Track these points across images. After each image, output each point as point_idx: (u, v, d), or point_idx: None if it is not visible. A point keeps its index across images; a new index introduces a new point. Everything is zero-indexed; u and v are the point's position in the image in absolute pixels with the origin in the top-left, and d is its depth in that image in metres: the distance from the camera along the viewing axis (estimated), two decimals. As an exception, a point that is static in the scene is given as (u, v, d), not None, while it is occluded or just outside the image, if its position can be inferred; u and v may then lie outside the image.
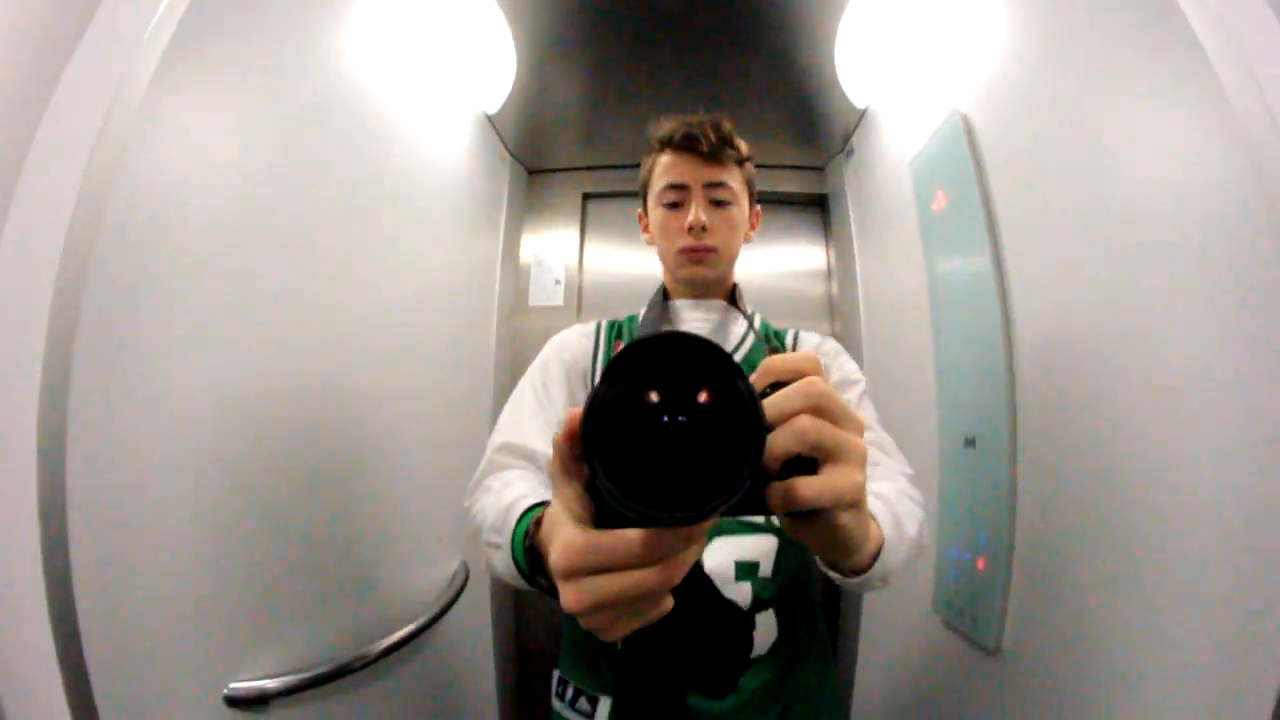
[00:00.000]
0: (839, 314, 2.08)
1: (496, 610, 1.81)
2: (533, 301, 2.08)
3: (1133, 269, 0.80)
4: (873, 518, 0.63)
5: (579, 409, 0.38)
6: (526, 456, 0.88)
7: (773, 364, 0.45)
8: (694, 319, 1.04)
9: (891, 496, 0.78)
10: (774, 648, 0.86)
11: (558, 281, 2.10)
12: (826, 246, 2.18)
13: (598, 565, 0.39)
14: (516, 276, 2.11)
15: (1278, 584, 0.58)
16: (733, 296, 1.07)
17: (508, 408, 0.96)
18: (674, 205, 1.01)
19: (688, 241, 0.98)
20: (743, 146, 1.03)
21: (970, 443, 1.15)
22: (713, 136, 0.98)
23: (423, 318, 1.45)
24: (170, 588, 0.73)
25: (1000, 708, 1.04)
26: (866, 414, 0.97)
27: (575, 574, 0.40)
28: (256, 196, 0.90)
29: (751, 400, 0.37)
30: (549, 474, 0.55)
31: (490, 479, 0.85)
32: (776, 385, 0.44)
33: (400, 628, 1.13)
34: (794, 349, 1.04)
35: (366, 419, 1.19)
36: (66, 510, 0.60)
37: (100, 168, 0.64)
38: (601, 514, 0.41)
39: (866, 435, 0.86)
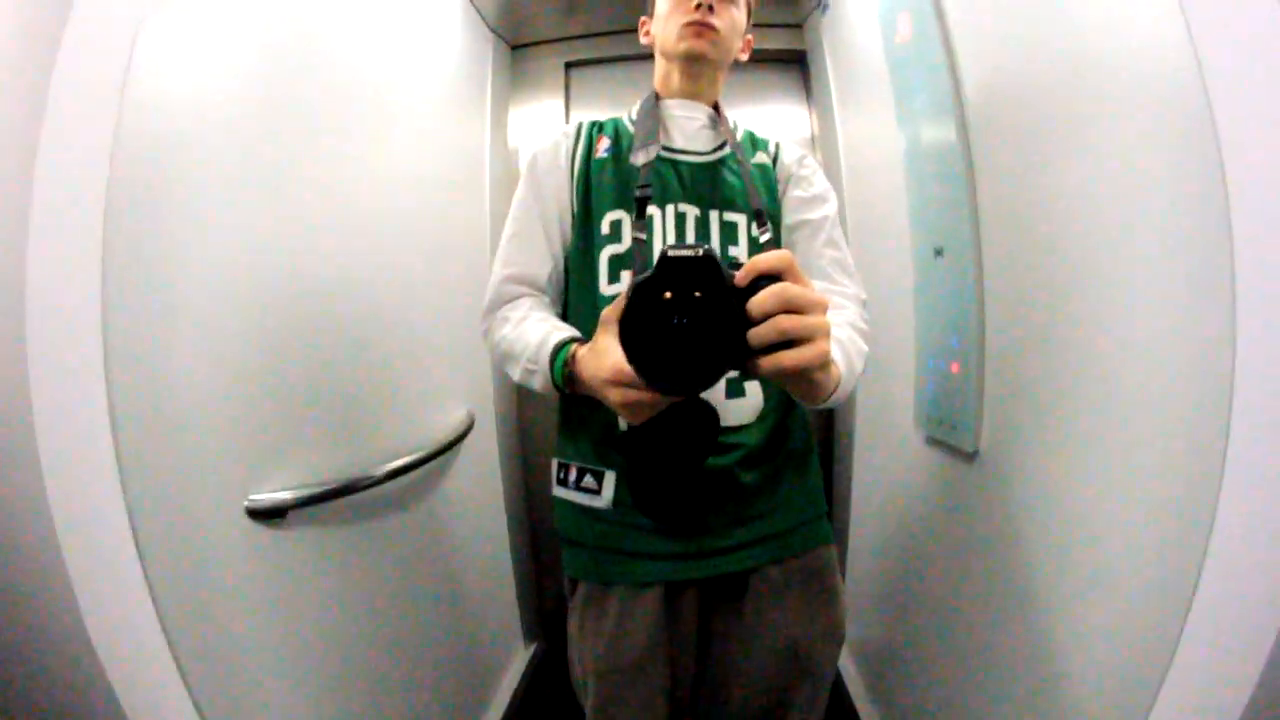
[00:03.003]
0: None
1: (504, 451, 1.98)
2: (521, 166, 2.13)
3: (1079, 97, 0.88)
4: (833, 361, 0.81)
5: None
6: (530, 283, 1.03)
7: (758, 263, 0.64)
8: (683, 116, 1.09)
9: (845, 339, 0.94)
10: (762, 414, 1.01)
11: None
12: (809, 109, 2.22)
13: (630, 382, 0.69)
14: (506, 153, 2.16)
15: (1222, 367, 0.64)
16: (718, 109, 1.12)
17: (505, 237, 1.07)
18: None
19: (694, 16, 1.03)
20: None
21: (939, 252, 1.27)
22: None
23: (422, 199, 1.54)
24: (200, 406, 0.84)
25: (983, 508, 1.15)
26: (834, 233, 1.09)
27: (620, 384, 0.72)
28: (252, 94, 0.98)
29: (736, 313, 0.62)
30: (603, 320, 0.75)
31: (505, 309, 1.02)
32: (762, 277, 0.64)
33: (405, 457, 1.25)
34: (776, 157, 1.13)
35: (379, 286, 1.30)
36: (107, 348, 0.70)
37: (112, 77, 0.72)
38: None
39: (832, 254, 1.07)
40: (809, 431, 1.11)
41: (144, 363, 0.75)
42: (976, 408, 1.15)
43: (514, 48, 2.20)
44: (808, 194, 1.10)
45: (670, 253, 0.62)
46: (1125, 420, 0.81)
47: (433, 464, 1.37)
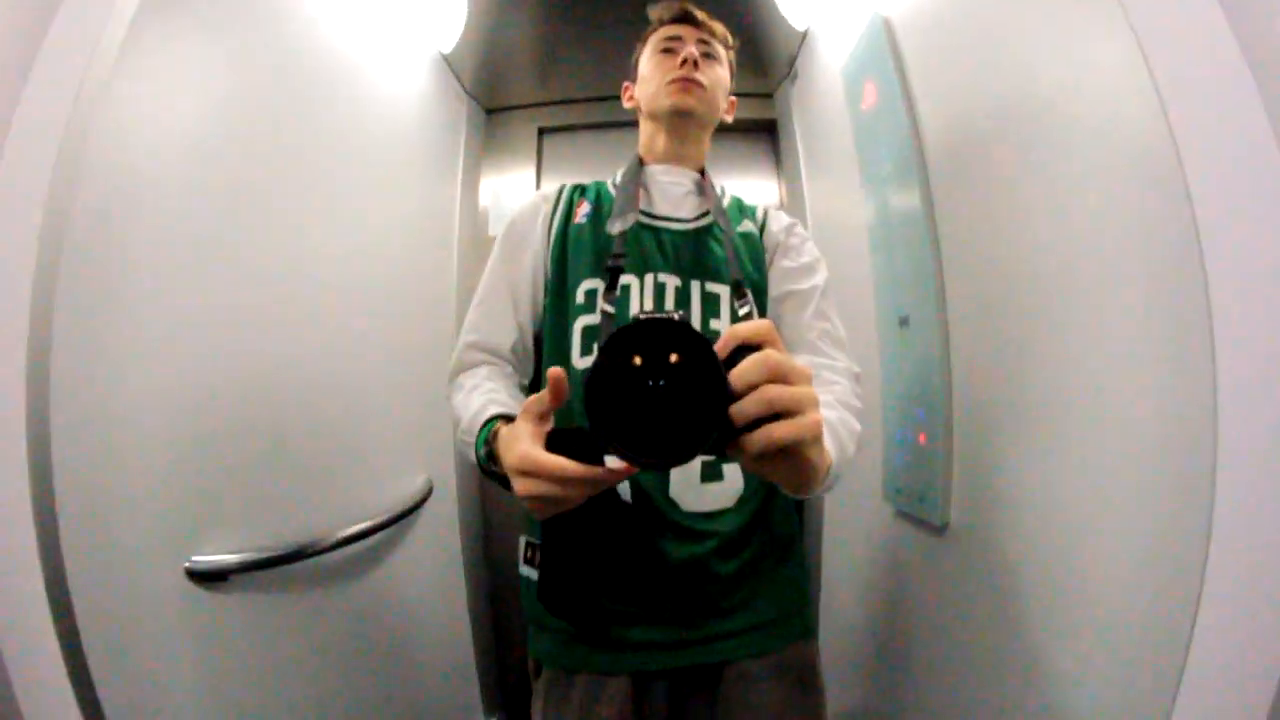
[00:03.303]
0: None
1: (465, 519, 1.91)
2: (492, 231, 2.13)
3: (1040, 160, 0.87)
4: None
5: (558, 371, 0.60)
6: (492, 351, 1.00)
7: (737, 331, 0.57)
8: (668, 182, 1.07)
9: (835, 420, 0.86)
10: (741, 498, 0.95)
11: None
12: (778, 178, 2.24)
13: (539, 473, 0.60)
14: (475, 216, 2.15)
15: (1203, 438, 0.61)
16: (703, 175, 1.11)
17: (474, 302, 1.03)
18: (668, 51, 1.07)
19: (679, 73, 1.04)
20: (730, 35, 1.14)
21: (904, 321, 1.23)
22: (706, 16, 1.11)
23: (386, 258, 1.51)
24: (144, 459, 0.80)
25: (952, 583, 1.10)
26: (824, 304, 1.04)
27: (524, 474, 0.61)
28: (222, 145, 0.96)
29: (719, 375, 0.52)
30: (524, 408, 0.66)
31: (463, 376, 0.99)
32: (742, 348, 0.55)
33: (358, 524, 1.20)
34: (763, 226, 1.11)
35: (336, 345, 1.26)
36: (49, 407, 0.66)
37: (73, 130, 0.70)
38: (551, 441, 0.61)
39: (821, 325, 1.00)
40: (793, 517, 1.04)
41: (89, 411, 0.72)
42: (945, 479, 1.10)
43: (489, 111, 2.21)
44: (796, 264, 1.06)
45: (642, 316, 0.54)
46: (1100, 491, 0.77)
47: (388, 531, 1.30)
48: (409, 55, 1.71)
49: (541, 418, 0.64)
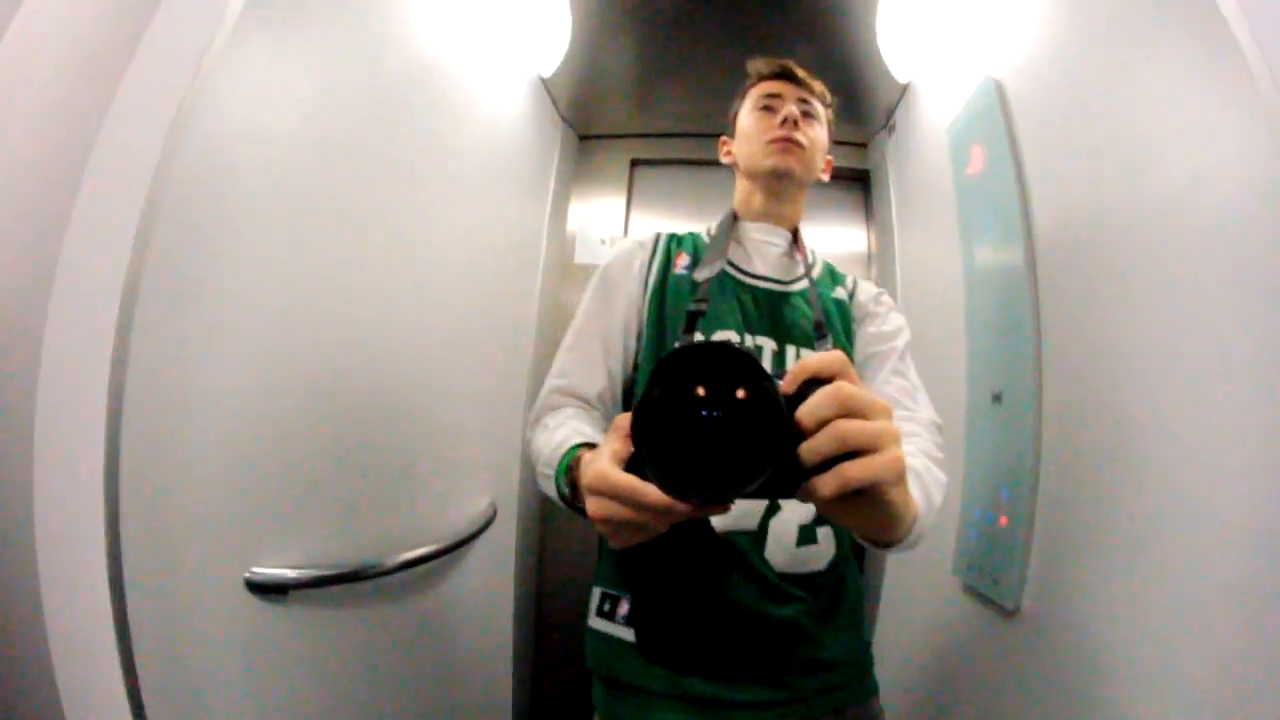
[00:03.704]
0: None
1: (521, 548, 1.89)
2: (578, 259, 2.15)
3: (1156, 250, 0.83)
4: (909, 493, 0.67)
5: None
6: (578, 396, 0.99)
7: (807, 364, 0.51)
8: (762, 241, 1.07)
9: (920, 469, 0.84)
10: (832, 562, 0.95)
11: (603, 241, 2.16)
12: (868, 227, 2.21)
13: (613, 493, 0.54)
14: (562, 241, 2.17)
15: None
16: (797, 235, 1.10)
17: (564, 346, 1.03)
18: (768, 109, 1.07)
19: (779, 132, 1.03)
20: (829, 93, 1.12)
21: (997, 398, 1.18)
22: (806, 73, 1.10)
23: (471, 276, 1.52)
24: (211, 465, 0.79)
25: (1020, 669, 1.06)
26: (902, 364, 1.03)
27: (597, 493, 0.56)
28: (321, 152, 0.97)
29: (775, 402, 0.47)
30: (614, 426, 0.61)
31: (547, 417, 0.96)
32: (812, 381, 0.50)
33: (420, 547, 1.18)
34: (853, 293, 1.10)
35: (413, 361, 1.27)
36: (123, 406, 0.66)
37: (176, 125, 0.70)
38: (632, 463, 0.54)
39: (899, 382, 0.98)
40: (860, 578, 1.04)
41: (159, 412, 0.71)
42: (1023, 564, 1.06)
43: (582, 138, 2.23)
44: (881, 330, 1.06)
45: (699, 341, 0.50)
46: (1181, 596, 0.75)
47: (448, 557, 1.30)
48: (510, 76, 1.73)
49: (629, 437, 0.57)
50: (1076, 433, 0.99)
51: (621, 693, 0.93)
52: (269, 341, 0.89)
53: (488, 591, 1.69)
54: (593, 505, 0.57)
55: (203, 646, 0.78)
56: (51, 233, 0.62)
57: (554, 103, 2.02)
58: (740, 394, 0.47)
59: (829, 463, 0.48)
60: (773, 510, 0.91)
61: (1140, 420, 0.84)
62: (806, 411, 0.48)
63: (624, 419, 0.58)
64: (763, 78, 1.11)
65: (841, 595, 0.98)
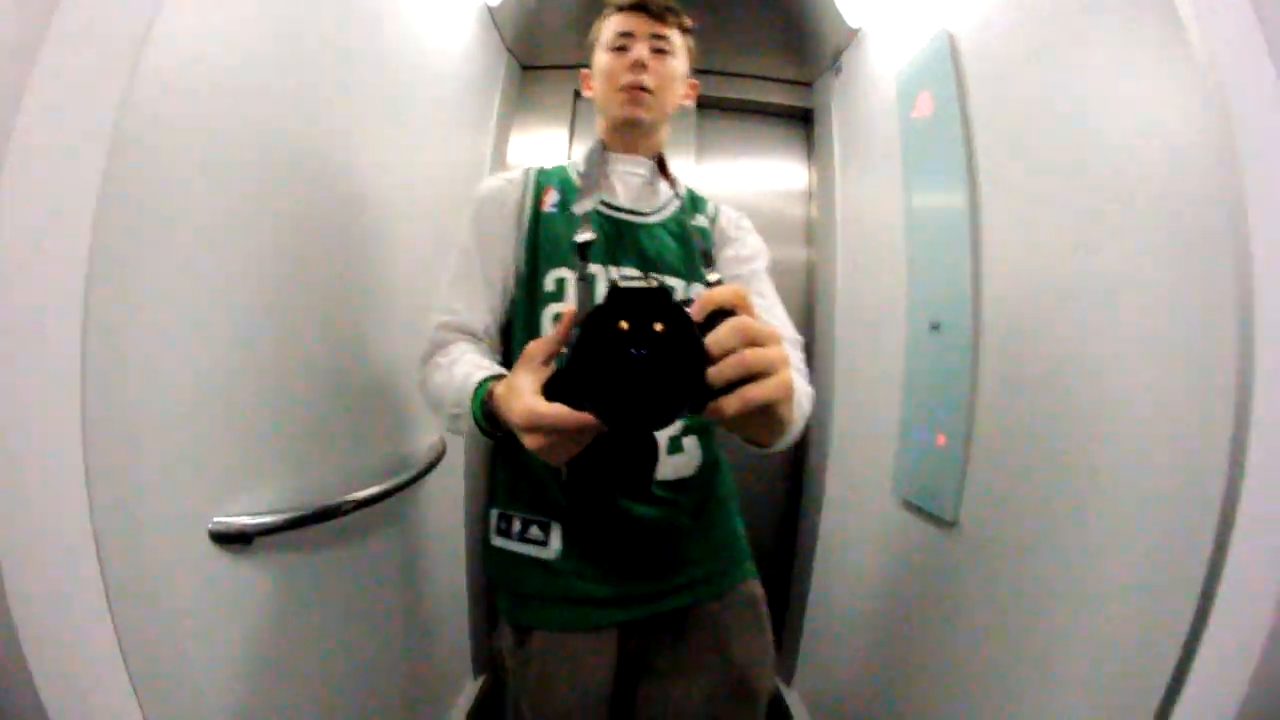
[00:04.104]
0: (815, 237, 2.20)
1: (469, 476, 1.93)
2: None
3: (1093, 198, 0.92)
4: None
5: (570, 309, 0.64)
6: (466, 331, 1.01)
7: (712, 296, 0.60)
8: (625, 171, 1.11)
9: (801, 386, 0.95)
10: (701, 467, 1.05)
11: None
12: (809, 165, 2.27)
13: (548, 426, 0.62)
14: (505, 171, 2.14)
15: (1219, 462, 0.69)
16: (661, 162, 1.14)
17: (447, 280, 1.05)
18: (620, 50, 1.08)
19: (628, 79, 1.06)
20: (685, 18, 1.13)
21: (935, 327, 1.29)
22: (659, 2, 1.10)
23: (417, 205, 1.50)
24: (165, 422, 0.76)
25: (958, 576, 1.18)
26: (765, 285, 1.13)
27: (532, 428, 0.63)
28: (266, 82, 0.93)
29: (697, 341, 0.56)
30: (526, 354, 0.69)
31: (438, 355, 0.98)
32: (717, 312, 0.59)
33: (377, 484, 1.17)
34: (714, 220, 1.17)
35: (363, 296, 1.25)
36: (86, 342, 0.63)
37: (115, 54, 0.66)
38: (551, 390, 0.63)
39: (761, 302, 1.07)
40: (730, 479, 1.14)
41: (116, 367, 0.69)
42: (959, 479, 1.18)
43: (525, 68, 2.19)
44: (741, 253, 1.14)
45: (622, 283, 0.57)
46: (1114, 503, 0.85)
47: (405, 491, 1.31)
48: (457, 3, 1.69)
49: (545, 363, 0.67)
50: (1012, 359, 1.09)
51: (523, 600, 1.02)
52: (219, 287, 0.85)
53: (442, 527, 1.73)
54: (530, 441, 0.65)
55: (173, 602, 0.76)
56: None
57: (499, 32, 1.97)
58: (660, 329, 0.55)
59: (732, 385, 0.56)
60: None
61: (1072, 348, 0.95)
62: (715, 341, 0.57)
63: (534, 346, 0.68)
64: (619, 8, 1.11)
65: (711, 494, 1.08)
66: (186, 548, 0.79)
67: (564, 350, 0.66)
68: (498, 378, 0.83)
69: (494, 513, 1.05)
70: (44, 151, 0.61)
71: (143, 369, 0.72)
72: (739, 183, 2.29)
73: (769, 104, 2.25)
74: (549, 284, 1.01)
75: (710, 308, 0.59)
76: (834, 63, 1.98)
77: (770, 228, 2.22)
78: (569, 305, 0.98)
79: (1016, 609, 1.01)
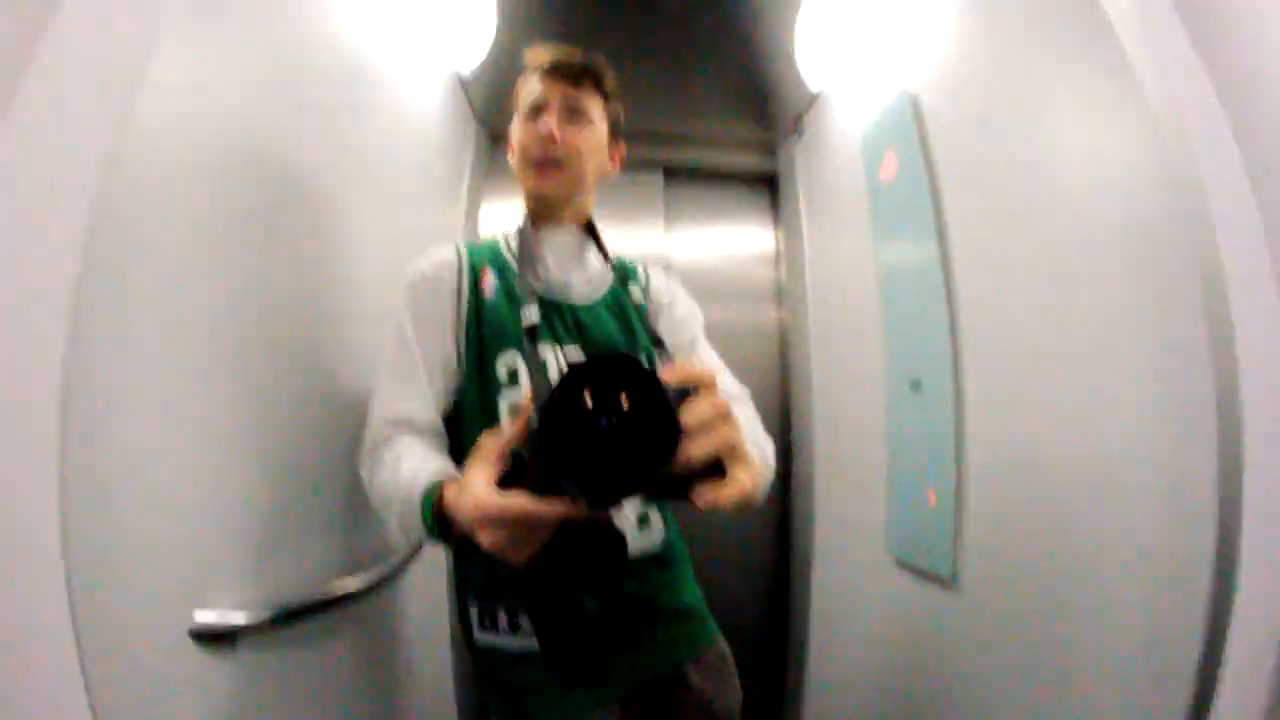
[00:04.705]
0: (786, 298, 2.21)
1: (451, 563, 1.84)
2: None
3: (1059, 252, 0.95)
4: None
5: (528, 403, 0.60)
6: (409, 425, 0.95)
7: (679, 371, 0.61)
8: (554, 240, 1.06)
9: (759, 437, 0.98)
10: (666, 539, 1.03)
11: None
12: (775, 229, 2.29)
13: (505, 519, 0.60)
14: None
15: (1196, 510, 0.69)
16: (590, 227, 1.10)
17: (386, 373, 0.99)
18: (533, 118, 1.03)
19: (538, 152, 1.01)
20: (608, 79, 1.07)
21: (916, 385, 1.28)
22: (578, 62, 1.04)
23: (389, 276, 1.46)
24: (148, 510, 0.71)
25: (959, 633, 1.15)
26: (704, 346, 1.13)
27: (488, 522, 0.62)
28: (246, 149, 0.90)
29: (670, 410, 0.55)
30: (479, 449, 0.67)
31: (384, 450, 0.93)
32: (682, 392, 0.58)
33: (362, 576, 1.10)
34: (646, 288, 1.13)
35: (332, 372, 1.18)
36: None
37: (100, 111, 0.63)
38: (507, 481, 0.61)
39: (705, 356, 1.09)
40: (684, 545, 1.11)
41: (98, 456, 0.64)
42: (954, 536, 1.16)
43: (494, 139, 2.21)
44: (673, 318, 1.12)
45: (589, 353, 0.55)
46: (1115, 557, 0.84)
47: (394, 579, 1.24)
48: (431, 75, 1.70)
49: (500, 458, 0.64)
50: (996, 415, 1.09)
51: (519, 694, 0.97)
52: (202, 371, 0.81)
53: (425, 615, 1.65)
54: (487, 536, 0.62)
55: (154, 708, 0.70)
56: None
57: (470, 103, 1.99)
58: (626, 403, 0.54)
59: (705, 470, 0.58)
60: None
61: (1056, 400, 0.95)
62: (692, 415, 0.57)
63: (488, 441, 0.66)
64: (533, 71, 1.06)
65: (674, 562, 1.05)
66: (166, 645, 0.72)
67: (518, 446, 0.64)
68: (449, 478, 0.80)
69: (474, 610, 0.98)
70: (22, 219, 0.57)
71: (124, 458, 0.67)
72: (707, 248, 2.30)
73: (734, 169, 2.29)
74: (501, 373, 0.96)
75: (684, 379, 0.59)
76: (796, 126, 2.02)
77: (739, 291, 2.29)
78: (524, 394, 0.94)
79: (1020, 665, 0.99)
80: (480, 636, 0.97)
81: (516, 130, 1.06)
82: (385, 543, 1.30)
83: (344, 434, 1.16)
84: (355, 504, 1.19)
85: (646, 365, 0.78)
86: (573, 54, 1.04)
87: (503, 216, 2.18)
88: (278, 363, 0.98)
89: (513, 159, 1.09)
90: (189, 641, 0.74)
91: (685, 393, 0.58)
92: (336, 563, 1.10)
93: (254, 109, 0.92)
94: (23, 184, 0.57)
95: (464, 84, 1.90)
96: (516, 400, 0.94)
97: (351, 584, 1.04)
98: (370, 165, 1.35)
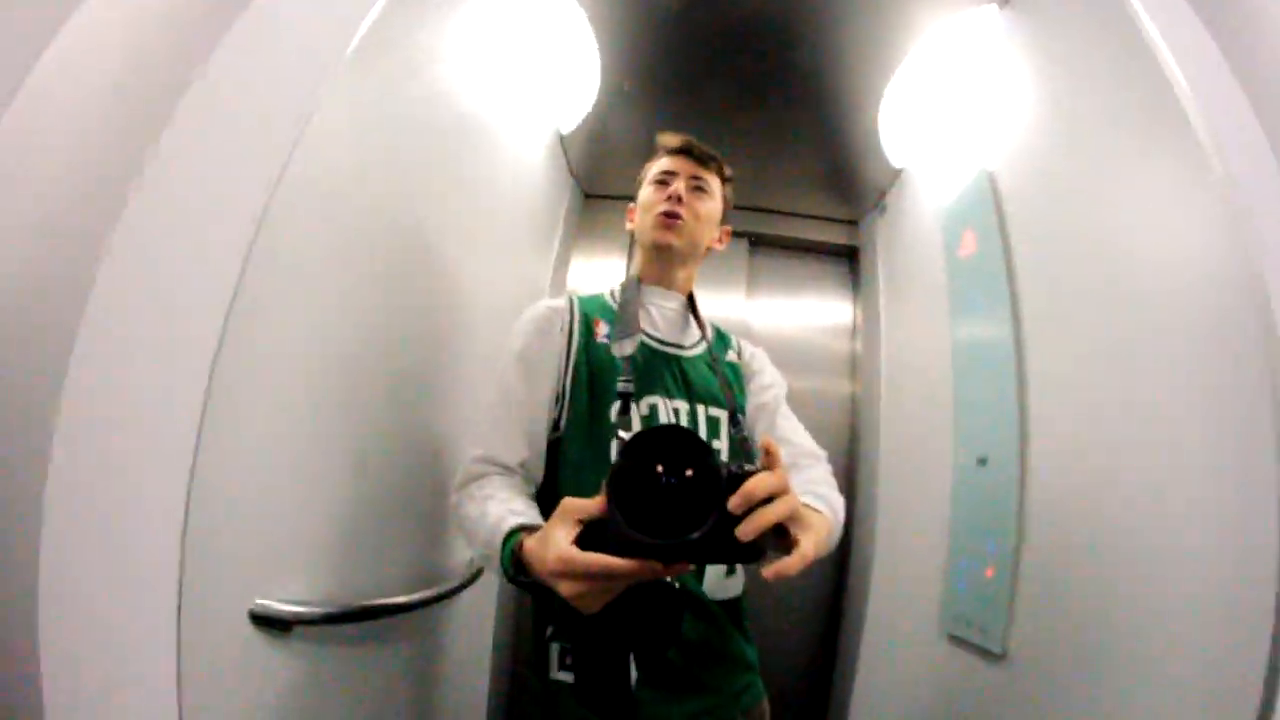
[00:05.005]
0: (860, 370, 2.22)
1: (503, 599, 1.90)
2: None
3: (1130, 333, 0.95)
4: (819, 511, 0.90)
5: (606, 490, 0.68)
6: (499, 464, 1.02)
7: (763, 444, 0.74)
8: (659, 304, 1.17)
9: (833, 499, 1.02)
10: (744, 589, 1.09)
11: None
12: (854, 301, 2.32)
13: (584, 573, 0.69)
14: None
15: (1259, 600, 0.67)
16: (692, 300, 1.21)
17: (486, 410, 1.08)
18: (661, 183, 1.17)
19: (665, 206, 1.13)
20: (726, 167, 1.22)
21: (982, 461, 1.27)
22: (704, 149, 1.19)
23: (483, 322, 1.52)
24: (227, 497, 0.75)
25: (1008, 709, 1.13)
26: (785, 407, 1.19)
27: (567, 575, 0.70)
28: (376, 202, 1.01)
29: (717, 475, 0.66)
30: (563, 510, 0.74)
31: (473, 486, 1.00)
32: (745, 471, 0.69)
33: (413, 593, 1.14)
34: (740, 353, 1.24)
35: (419, 404, 1.26)
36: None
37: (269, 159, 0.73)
38: (585, 540, 0.70)
39: (788, 423, 1.15)
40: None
41: (225, 449, 0.71)
42: (1009, 611, 1.14)
43: (588, 196, 2.32)
44: (762, 383, 1.20)
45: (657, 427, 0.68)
46: (1160, 636, 0.83)
47: (439, 604, 1.28)
48: (534, 132, 1.81)
49: (580, 523, 0.72)
50: (1057, 493, 1.08)
51: None
52: (302, 372, 0.88)
53: (468, 643, 1.68)
54: (566, 587, 0.71)
55: (210, 677, 0.74)
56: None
57: (567, 159, 2.11)
58: (689, 470, 0.66)
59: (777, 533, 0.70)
60: None
61: (1115, 482, 0.94)
62: (756, 489, 0.67)
63: (572, 504, 0.73)
64: (666, 151, 1.20)
65: (744, 614, 1.10)
66: (227, 625, 0.78)
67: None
68: (529, 528, 0.87)
69: (555, 646, 1.02)
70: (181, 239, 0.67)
71: (235, 453, 0.74)
72: (786, 318, 2.34)
73: (816, 242, 2.33)
74: (612, 415, 1.03)
75: (765, 451, 0.73)
76: (878, 202, 2.06)
77: (815, 362, 2.31)
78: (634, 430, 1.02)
79: None
80: (557, 675, 1.01)
81: (645, 195, 1.20)
82: (440, 566, 1.36)
83: (421, 456, 1.25)
84: (431, 526, 1.28)
85: (729, 431, 1.00)
86: (699, 141, 1.19)
87: (590, 271, 2.29)
88: (372, 379, 1.06)
89: (634, 221, 1.22)
90: (248, 623, 0.80)
91: (747, 472, 0.68)
92: (402, 577, 1.16)
93: (381, 161, 1.02)
94: (193, 195, 0.68)
95: (562, 140, 2.02)
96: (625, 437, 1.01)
97: (401, 597, 1.08)
98: (476, 217, 1.46)
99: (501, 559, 0.86)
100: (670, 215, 1.13)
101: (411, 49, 1.10)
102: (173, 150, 0.67)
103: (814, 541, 0.73)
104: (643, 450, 0.66)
